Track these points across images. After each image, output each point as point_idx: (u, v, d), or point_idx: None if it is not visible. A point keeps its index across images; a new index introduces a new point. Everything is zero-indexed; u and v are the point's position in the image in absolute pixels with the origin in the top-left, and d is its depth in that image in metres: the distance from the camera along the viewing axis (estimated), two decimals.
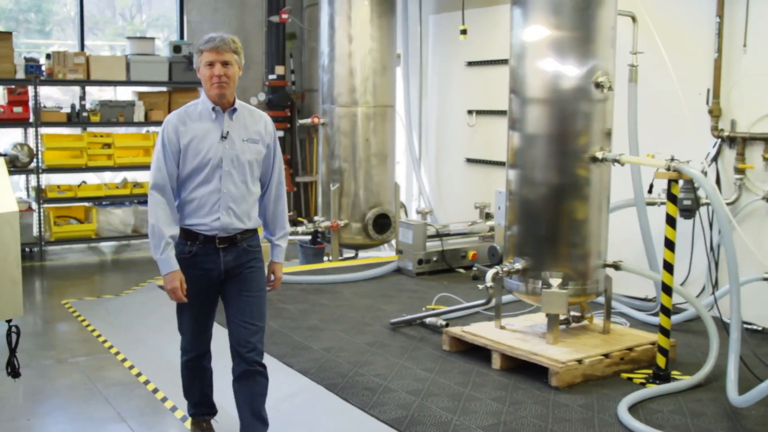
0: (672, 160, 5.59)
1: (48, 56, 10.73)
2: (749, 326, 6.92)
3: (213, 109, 4.43)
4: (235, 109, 4.49)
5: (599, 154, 5.93)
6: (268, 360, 6.15)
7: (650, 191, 6.15)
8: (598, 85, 5.88)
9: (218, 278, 4.58)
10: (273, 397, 5.61)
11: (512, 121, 6.22)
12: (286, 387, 5.71)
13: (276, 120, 11.58)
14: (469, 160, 10.34)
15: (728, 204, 7.17)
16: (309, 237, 9.96)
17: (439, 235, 9.18)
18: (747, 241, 6.66)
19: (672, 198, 5.64)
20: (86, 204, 11.19)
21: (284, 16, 11.76)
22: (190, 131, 4.41)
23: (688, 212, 6.95)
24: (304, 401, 5.51)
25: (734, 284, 5.50)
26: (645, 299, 7.63)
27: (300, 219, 10.92)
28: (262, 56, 12.53)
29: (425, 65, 11.02)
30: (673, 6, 7.66)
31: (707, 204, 7.17)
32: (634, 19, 6.89)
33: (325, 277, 8.70)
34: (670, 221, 5.63)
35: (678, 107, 7.37)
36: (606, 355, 5.84)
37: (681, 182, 6.73)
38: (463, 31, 8.19)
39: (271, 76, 12.05)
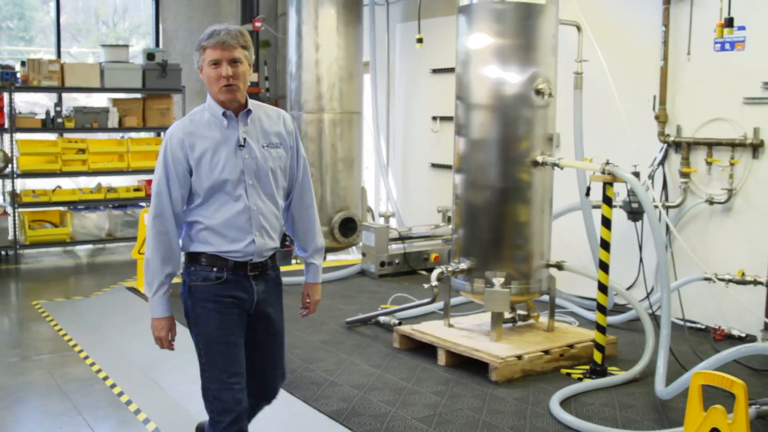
0: (607, 163, 5.81)
1: (23, 63, 10.93)
2: (693, 325, 7.17)
3: (224, 114, 3.81)
4: (249, 111, 3.87)
5: (540, 159, 6.17)
6: None
7: (588, 194, 6.41)
8: (538, 92, 6.13)
9: (248, 310, 3.93)
10: None
11: (458, 126, 6.45)
12: None
13: None
14: (434, 165, 10.58)
15: (674, 207, 7.43)
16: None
17: (401, 238, 9.41)
18: (683, 242, 6.92)
19: (607, 200, 5.87)
20: (61, 208, 11.40)
21: (257, 24, 11.98)
22: (199, 143, 3.76)
23: (636, 215, 7.22)
24: None
25: (665, 283, 5.75)
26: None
27: None
28: None
29: (392, 72, 11.27)
30: (623, 15, 7.92)
31: (655, 207, 7.43)
32: (578, 28, 7.12)
33: (288, 279, 8.88)
34: (606, 223, 5.86)
35: (627, 113, 7.62)
36: (546, 352, 6.07)
37: (628, 186, 7.02)
38: (419, 40, 8.47)
39: None
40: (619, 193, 7.04)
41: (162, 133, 12.02)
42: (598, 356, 5.95)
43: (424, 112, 10.70)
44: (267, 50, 12.83)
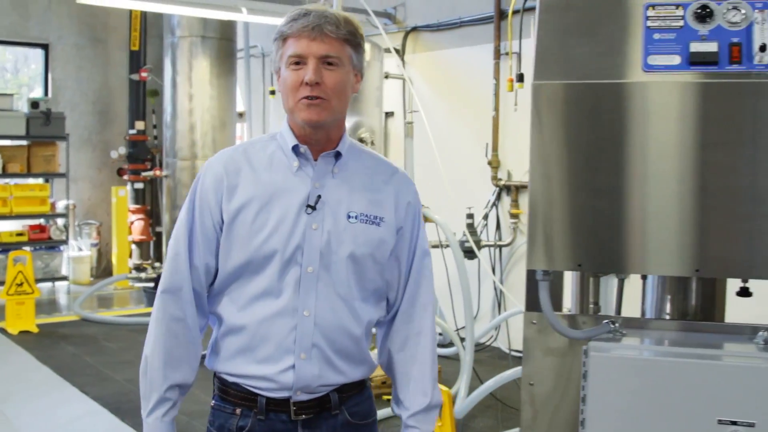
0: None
1: None
2: (518, 353, 7.73)
3: (295, 149, 2.38)
4: (339, 155, 2.41)
5: None
6: (68, 389, 6.83)
7: None
8: (361, 141, 6.68)
9: None
10: (62, 418, 6.25)
11: None
12: (75, 411, 6.33)
13: (135, 173, 12.23)
14: None
15: (506, 245, 8.04)
16: (153, 282, 10.59)
17: None
18: (496, 280, 7.51)
19: None
20: None
21: (144, 74, 12.43)
22: (244, 187, 2.37)
23: (471, 253, 7.80)
24: (86, 423, 6.12)
25: (468, 314, 6.31)
26: (439, 334, 8.41)
27: (145, 264, 11.52)
28: (126, 112, 13.11)
29: (267, 121, 11.82)
30: (464, 69, 8.58)
31: (490, 246, 8.04)
32: (411, 81, 7.73)
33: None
34: None
35: (465, 159, 8.25)
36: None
37: (465, 225, 7.62)
38: (272, 92, 9.01)
39: (131, 131, 12.66)
40: (456, 233, 7.62)
41: (49, 180, 12.33)
42: None
43: None
44: (155, 99, 13.25)
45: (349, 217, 2.36)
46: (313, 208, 2.32)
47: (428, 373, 2.51)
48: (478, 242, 7.57)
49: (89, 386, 6.83)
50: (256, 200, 2.33)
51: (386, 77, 7.07)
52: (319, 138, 2.36)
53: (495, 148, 8.14)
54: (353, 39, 2.34)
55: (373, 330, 2.57)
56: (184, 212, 2.42)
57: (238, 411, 2.38)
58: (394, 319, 2.52)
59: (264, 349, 2.33)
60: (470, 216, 7.81)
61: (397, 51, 9.01)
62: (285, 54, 2.33)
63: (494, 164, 8.14)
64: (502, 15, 8.03)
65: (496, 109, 8.10)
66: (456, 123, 8.42)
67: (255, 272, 2.33)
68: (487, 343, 8.19)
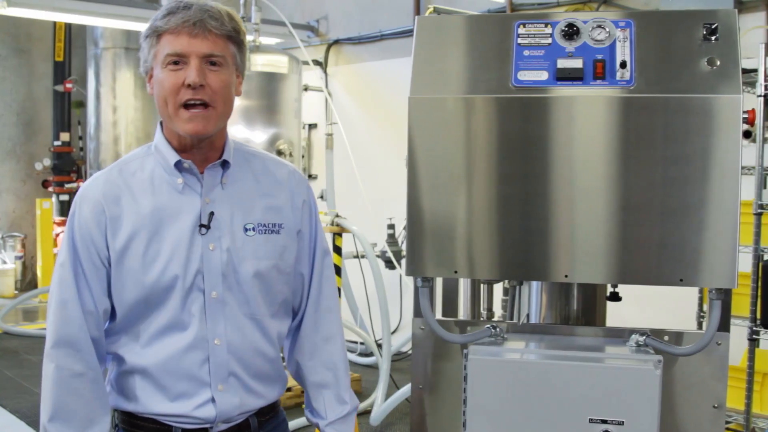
0: (336, 216, 6.46)
1: None
2: None
3: (178, 166, 2.18)
4: (226, 164, 2.23)
5: None
6: None
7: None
8: (279, 153, 6.75)
9: None
10: None
11: None
12: None
13: (60, 185, 12.10)
14: None
15: None
16: None
17: None
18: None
19: (337, 250, 6.51)
20: None
21: (68, 85, 12.32)
22: (129, 217, 2.15)
23: (390, 263, 7.88)
24: None
25: (386, 323, 6.39)
26: (361, 343, 8.47)
27: None
28: (51, 123, 12.97)
29: None
30: (389, 84, 8.68)
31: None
32: (329, 94, 7.82)
33: None
34: (336, 270, 6.48)
35: (387, 169, 8.34)
36: (289, 389, 6.61)
37: (386, 236, 7.71)
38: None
39: (56, 143, 12.53)
40: (377, 243, 7.70)
41: None
42: None
43: None
44: (80, 110, 13.13)
45: (246, 230, 2.20)
46: (207, 227, 2.15)
47: (342, 378, 2.41)
48: (398, 252, 7.63)
49: (7, 399, 6.78)
50: (143, 230, 2.13)
51: (306, 89, 7.14)
52: (203, 148, 2.17)
53: None
54: (237, 36, 2.16)
55: None
56: (64, 252, 2.19)
57: None
58: (300, 326, 2.39)
59: (176, 387, 2.17)
60: (391, 227, 7.88)
61: (319, 63, 9.09)
62: (160, 53, 2.09)
63: None
64: None
65: None
66: (378, 134, 8.52)
67: (155, 306, 2.15)
68: (409, 352, 8.26)
